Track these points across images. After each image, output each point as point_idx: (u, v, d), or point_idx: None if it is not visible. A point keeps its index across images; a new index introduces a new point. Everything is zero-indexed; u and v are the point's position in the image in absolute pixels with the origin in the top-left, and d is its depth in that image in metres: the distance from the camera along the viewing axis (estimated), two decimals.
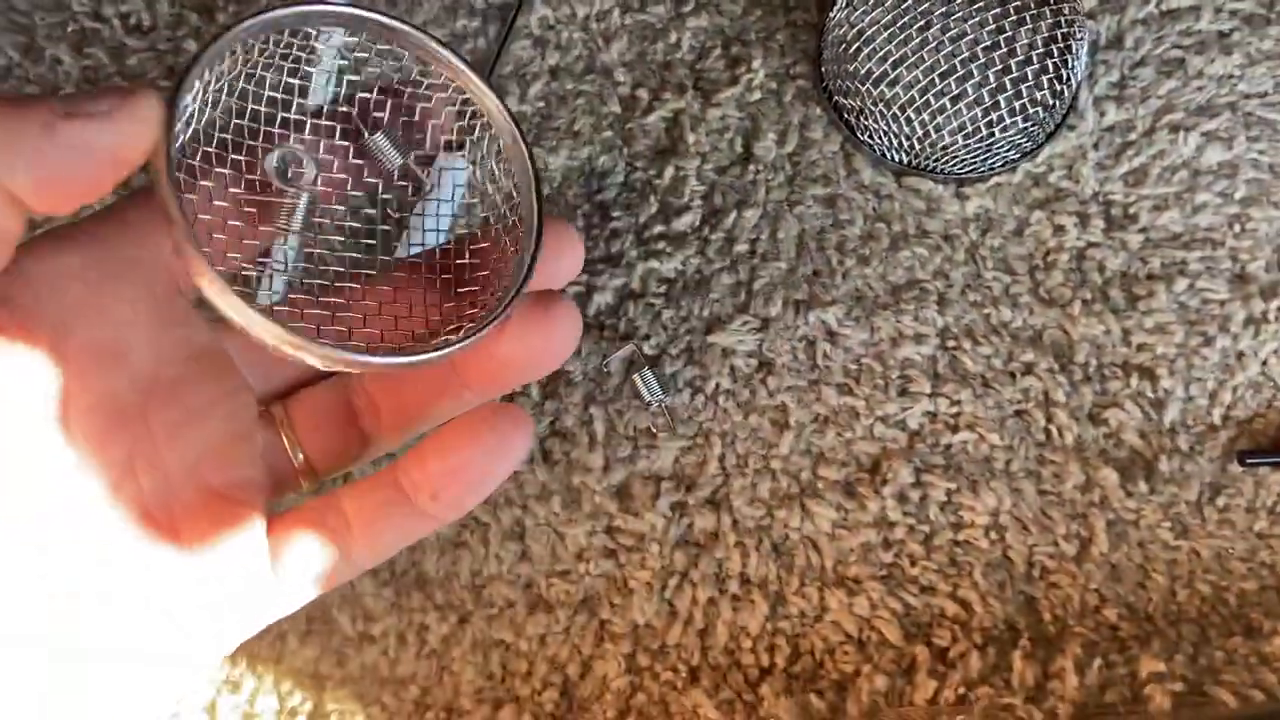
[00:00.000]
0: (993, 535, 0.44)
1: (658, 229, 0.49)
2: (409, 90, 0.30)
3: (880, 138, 0.50)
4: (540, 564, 0.46)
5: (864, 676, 0.41)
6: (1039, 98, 0.47)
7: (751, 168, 0.50)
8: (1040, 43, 0.46)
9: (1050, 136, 0.50)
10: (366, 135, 0.30)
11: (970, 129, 0.47)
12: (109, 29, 0.53)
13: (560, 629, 0.45)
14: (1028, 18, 0.46)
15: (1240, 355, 0.47)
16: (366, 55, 0.30)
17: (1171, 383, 0.46)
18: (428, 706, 0.44)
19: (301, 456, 0.30)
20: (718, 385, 0.47)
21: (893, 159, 0.50)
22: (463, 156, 0.32)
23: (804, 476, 0.46)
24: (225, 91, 0.27)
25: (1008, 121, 0.47)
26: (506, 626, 0.45)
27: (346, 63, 0.31)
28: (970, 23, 0.46)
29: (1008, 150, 0.49)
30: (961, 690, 0.40)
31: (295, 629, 0.46)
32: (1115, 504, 0.45)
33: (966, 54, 0.46)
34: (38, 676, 0.23)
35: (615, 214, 0.50)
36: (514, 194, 0.30)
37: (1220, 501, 0.45)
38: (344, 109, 0.30)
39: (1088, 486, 0.45)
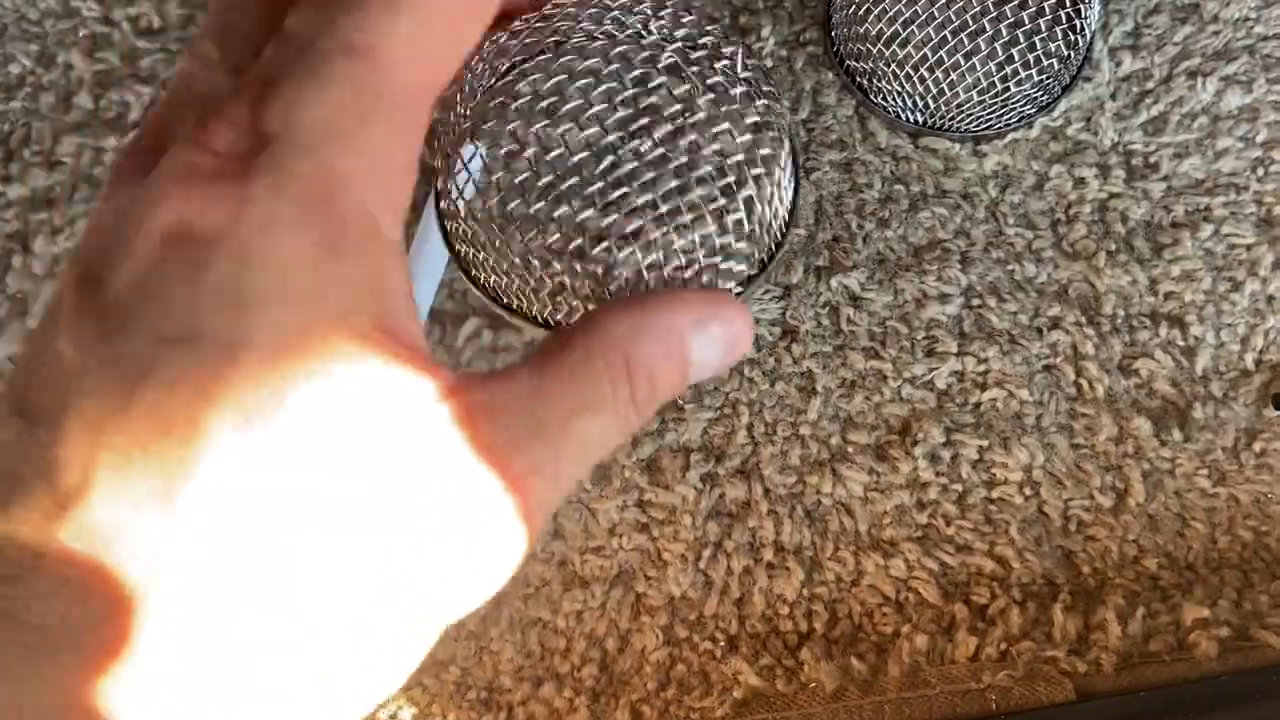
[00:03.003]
0: (1027, 491, 0.44)
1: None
2: None
3: (894, 99, 0.49)
4: (573, 541, 0.46)
5: (904, 637, 0.41)
6: (1053, 49, 0.46)
7: None
8: None
9: (1066, 89, 0.50)
10: None
11: (985, 85, 0.47)
12: (119, 33, 0.54)
13: (596, 604, 0.45)
14: None
15: (1270, 299, 0.46)
16: None
17: (1201, 330, 0.46)
18: (469, 687, 0.44)
19: None
20: (743, 355, 0.47)
21: (908, 120, 0.50)
22: None
23: (833, 442, 0.46)
24: None
25: (1022, 75, 0.47)
26: (543, 604, 0.45)
27: None
28: None
29: (1024, 105, 0.49)
30: (1003, 646, 0.40)
31: None
32: (1150, 454, 0.44)
33: (977, 8, 0.45)
34: None
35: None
36: None
37: (1257, 446, 0.44)
38: None
39: (1121, 438, 0.44)
